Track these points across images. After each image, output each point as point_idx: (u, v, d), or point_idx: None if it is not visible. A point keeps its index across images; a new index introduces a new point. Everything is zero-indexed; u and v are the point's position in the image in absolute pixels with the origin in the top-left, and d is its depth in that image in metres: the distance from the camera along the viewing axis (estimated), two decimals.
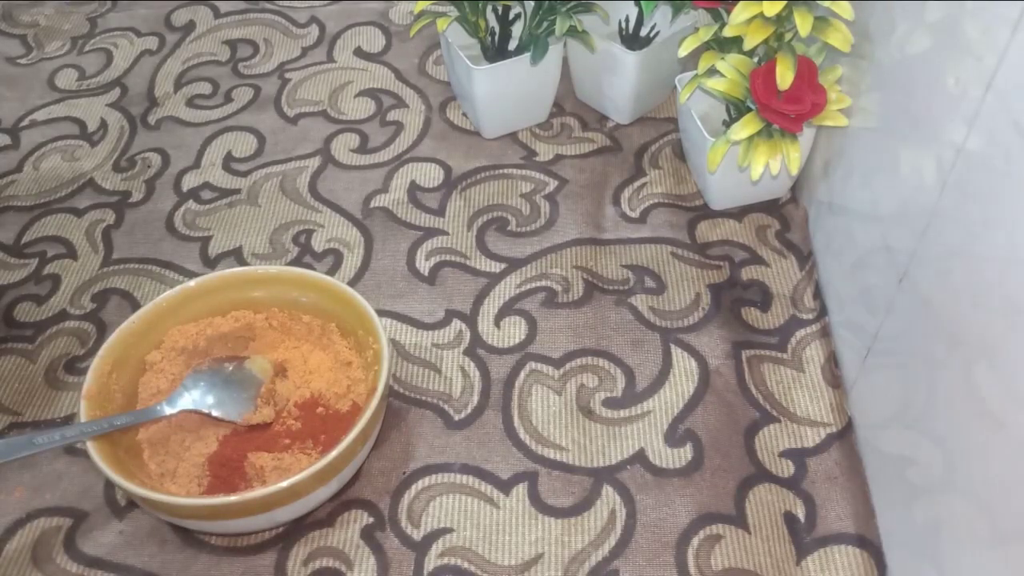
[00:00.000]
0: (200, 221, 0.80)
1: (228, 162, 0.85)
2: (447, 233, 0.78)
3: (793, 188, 0.79)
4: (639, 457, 0.63)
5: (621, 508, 0.61)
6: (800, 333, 0.70)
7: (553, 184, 0.81)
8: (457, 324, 0.71)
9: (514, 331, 0.71)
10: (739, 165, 0.70)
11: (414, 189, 0.82)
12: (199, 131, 0.88)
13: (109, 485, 0.63)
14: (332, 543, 0.60)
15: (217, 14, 1.01)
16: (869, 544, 0.58)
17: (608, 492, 0.62)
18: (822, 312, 0.70)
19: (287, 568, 0.59)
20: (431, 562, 0.59)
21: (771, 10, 0.62)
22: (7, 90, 0.94)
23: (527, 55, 0.78)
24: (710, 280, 0.73)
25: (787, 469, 0.62)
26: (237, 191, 0.83)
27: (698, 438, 0.64)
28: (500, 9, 0.80)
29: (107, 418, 0.59)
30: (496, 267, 0.75)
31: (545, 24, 0.78)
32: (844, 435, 0.64)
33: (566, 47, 0.84)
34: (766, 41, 0.66)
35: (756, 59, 0.69)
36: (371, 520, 0.61)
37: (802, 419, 0.65)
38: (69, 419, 0.67)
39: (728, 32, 0.66)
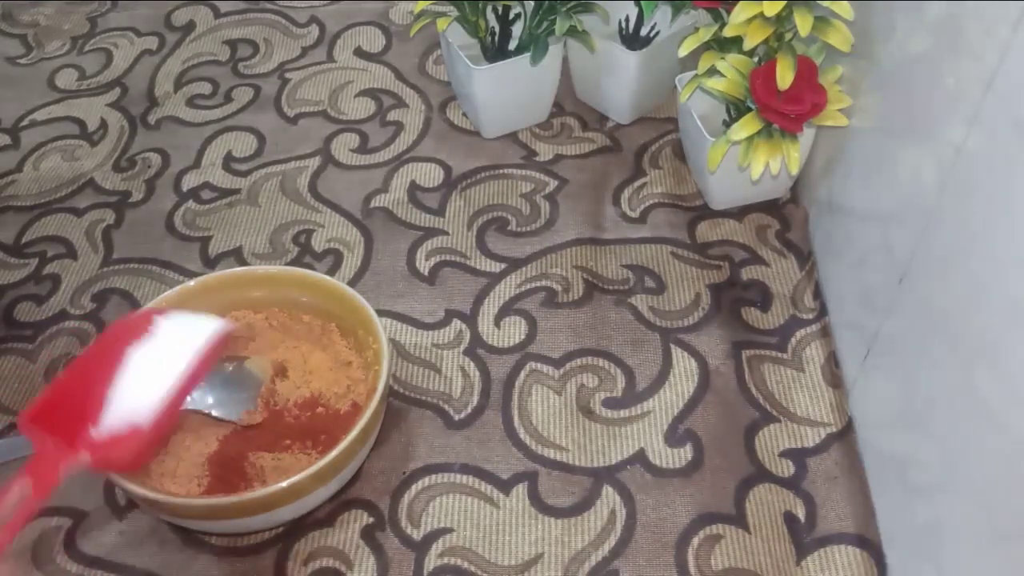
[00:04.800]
0: (200, 221, 0.80)
1: (228, 162, 0.85)
2: (447, 233, 0.78)
3: (793, 188, 0.79)
4: (639, 457, 0.63)
5: (621, 508, 0.61)
6: (800, 333, 0.70)
7: (553, 184, 0.81)
8: (457, 324, 0.71)
9: (514, 331, 0.71)
10: (739, 165, 0.70)
11: (414, 189, 0.82)
12: (199, 131, 0.88)
13: (109, 485, 0.63)
14: (332, 543, 0.60)
15: (217, 14, 1.01)
16: (869, 544, 0.58)
17: (608, 492, 0.62)
18: (822, 312, 0.70)
19: (287, 568, 0.59)
20: (431, 562, 0.59)
21: (771, 10, 0.62)
22: (7, 90, 0.94)
23: (527, 55, 0.78)
24: (710, 280, 0.73)
25: (787, 469, 0.62)
26: (237, 191, 0.83)
27: (698, 438, 0.64)
28: (500, 9, 0.80)
29: None
30: (496, 267, 0.75)
31: (545, 24, 0.78)
32: (844, 435, 0.64)
33: (566, 47, 0.84)
34: (766, 41, 0.66)
35: (756, 59, 0.69)
36: (371, 520, 0.61)
37: (802, 419, 0.65)
38: None
39: (728, 32, 0.66)
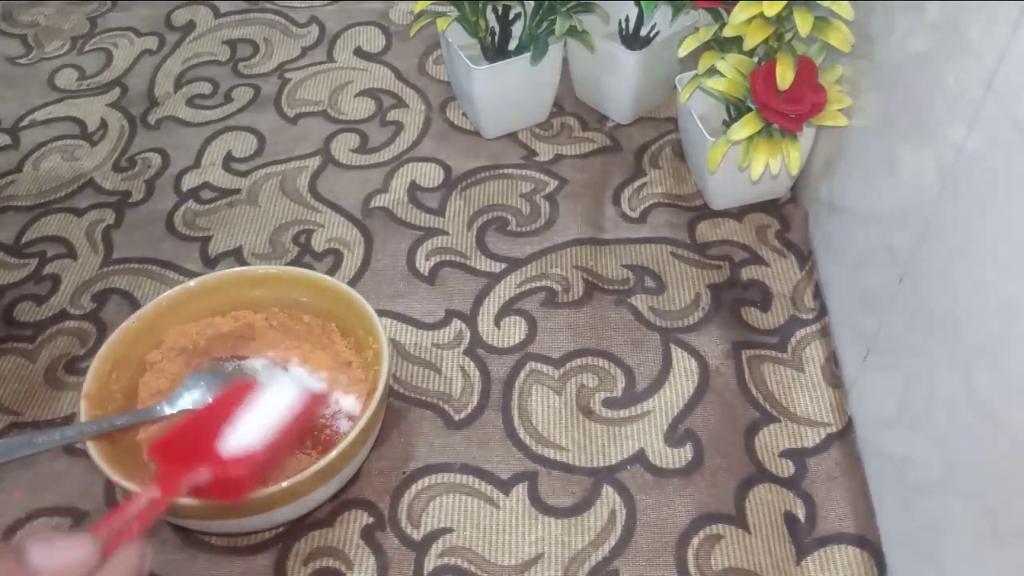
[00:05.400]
0: (200, 221, 0.80)
1: (228, 162, 0.85)
2: (447, 233, 0.78)
3: (793, 188, 0.79)
4: (639, 457, 0.63)
5: (621, 508, 0.61)
6: (800, 333, 0.70)
7: (553, 184, 0.81)
8: (457, 324, 0.71)
9: (514, 331, 0.71)
10: (739, 165, 0.70)
11: (414, 189, 0.82)
12: (199, 131, 0.88)
13: (109, 485, 0.63)
14: (332, 543, 0.60)
15: (217, 14, 1.01)
16: (869, 544, 0.58)
17: (608, 492, 0.62)
18: (822, 312, 0.70)
19: (287, 568, 0.59)
20: (431, 562, 0.59)
21: (771, 10, 0.62)
22: (7, 90, 0.94)
23: (527, 55, 0.78)
24: (710, 280, 0.73)
25: (787, 469, 0.62)
26: (237, 191, 0.83)
27: (698, 438, 0.64)
28: (500, 9, 0.80)
29: (107, 418, 0.59)
30: (496, 267, 0.75)
31: (545, 24, 0.78)
32: (844, 435, 0.64)
33: (566, 47, 0.84)
34: (766, 41, 0.66)
35: (756, 59, 0.69)
36: (371, 520, 0.61)
37: (802, 419, 0.65)
38: (69, 419, 0.67)
39: (728, 32, 0.66)
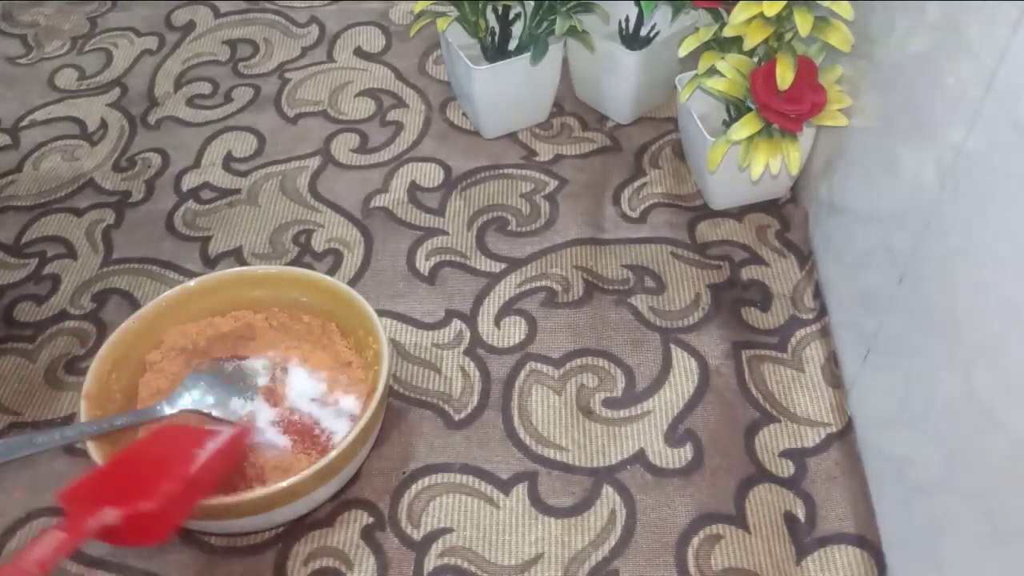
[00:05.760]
0: (200, 221, 0.80)
1: (228, 162, 0.85)
2: (447, 233, 0.78)
3: (793, 188, 0.79)
4: (639, 457, 0.63)
5: (621, 508, 0.61)
6: (800, 333, 0.70)
7: (553, 184, 0.81)
8: (457, 324, 0.71)
9: (514, 331, 0.71)
10: (739, 165, 0.70)
11: (414, 189, 0.82)
12: (199, 131, 0.88)
13: None
14: (332, 543, 0.60)
15: (217, 14, 1.01)
16: (869, 544, 0.58)
17: (608, 492, 0.62)
18: (822, 312, 0.70)
19: (287, 568, 0.59)
20: (431, 562, 0.59)
21: (771, 10, 0.62)
22: (7, 90, 0.94)
23: (527, 55, 0.78)
24: (710, 280, 0.73)
25: (787, 469, 0.62)
26: (237, 191, 0.83)
27: (698, 438, 0.64)
28: (500, 9, 0.80)
29: (107, 418, 0.59)
30: (496, 267, 0.75)
31: (545, 24, 0.78)
32: (844, 435, 0.64)
33: (566, 47, 0.84)
34: (766, 41, 0.66)
35: (756, 59, 0.69)
36: (371, 520, 0.61)
37: (802, 419, 0.65)
38: (69, 419, 0.67)
39: (728, 32, 0.66)
